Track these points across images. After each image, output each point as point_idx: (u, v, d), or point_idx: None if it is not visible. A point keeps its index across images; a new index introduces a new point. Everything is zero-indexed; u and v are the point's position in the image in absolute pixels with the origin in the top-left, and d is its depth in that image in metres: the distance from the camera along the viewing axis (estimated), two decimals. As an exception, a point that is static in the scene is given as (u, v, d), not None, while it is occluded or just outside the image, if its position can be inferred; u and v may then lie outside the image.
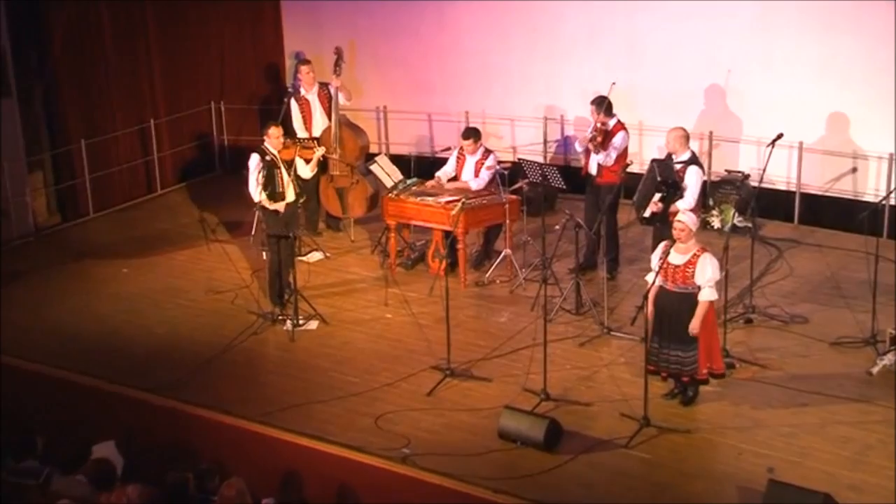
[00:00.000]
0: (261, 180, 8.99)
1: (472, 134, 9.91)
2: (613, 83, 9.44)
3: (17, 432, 7.07)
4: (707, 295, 7.32)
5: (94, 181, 11.93)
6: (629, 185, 9.43)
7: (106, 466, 6.36)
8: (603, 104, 9.37)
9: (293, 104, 10.77)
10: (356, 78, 12.57)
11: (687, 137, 8.84)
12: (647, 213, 8.61)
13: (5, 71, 10.99)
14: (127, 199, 12.40)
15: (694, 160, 8.81)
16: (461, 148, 10.00)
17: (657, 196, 8.48)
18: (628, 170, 9.58)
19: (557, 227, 9.09)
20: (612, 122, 9.49)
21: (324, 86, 10.85)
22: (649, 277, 7.50)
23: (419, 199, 9.76)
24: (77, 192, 11.93)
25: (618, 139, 9.45)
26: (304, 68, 10.87)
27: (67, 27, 11.62)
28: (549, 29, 11.91)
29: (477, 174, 9.84)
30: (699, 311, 7.31)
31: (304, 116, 10.79)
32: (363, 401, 7.91)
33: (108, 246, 11.15)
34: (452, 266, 9.67)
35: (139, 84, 12.47)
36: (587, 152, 9.59)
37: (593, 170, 9.57)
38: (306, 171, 10.02)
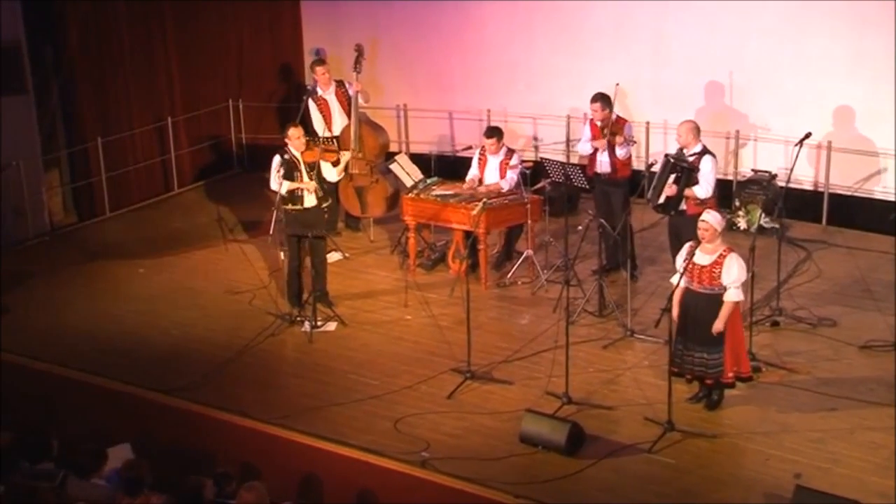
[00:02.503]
0: (280, 180, 9.02)
1: (494, 133, 9.90)
2: (617, 84, 9.42)
3: (32, 434, 7.10)
4: (732, 296, 7.30)
5: (110, 180, 12.00)
6: (636, 182, 9.43)
7: (138, 472, 6.40)
8: (610, 100, 9.36)
9: (311, 105, 10.80)
10: (376, 76, 12.59)
11: (698, 129, 8.85)
12: (661, 199, 8.61)
13: (21, 67, 11.06)
14: (143, 198, 12.46)
15: (706, 151, 8.80)
16: (483, 148, 9.99)
17: (671, 178, 8.48)
18: (633, 167, 9.57)
19: (580, 227, 9.09)
20: (613, 118, 9.47)
21: (340, 84, 10.87)
22: (674, 279, 7.48)
23: (442, 198, 9.74)
24: (93, 190, 12.00)
25: (628, 129, 9.49)
26: (319, 69, 10.88)
27: (84, 23, 11.69)
28: (573, 25, 11.90)
29: (502, 174, 9.83)
30: (724, 312, 7.29)
31: (323, 116, 10.82)
32: (382, 404, 7.92)
33: (125, 246, 11.20)
34: (473, 267, 9.67)
35: (156, 81, 12.54)
36: (594, 151, 9.54)
37: (604, 168, 9.53)
38: (332, 174, 9.86)
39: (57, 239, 11.53)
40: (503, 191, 9.72)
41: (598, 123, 9.46)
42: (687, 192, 8.59)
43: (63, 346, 9.02)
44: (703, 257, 7.38)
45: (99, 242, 11.37)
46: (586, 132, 9.67)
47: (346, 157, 9.94)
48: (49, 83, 11.69)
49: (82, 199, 12.07)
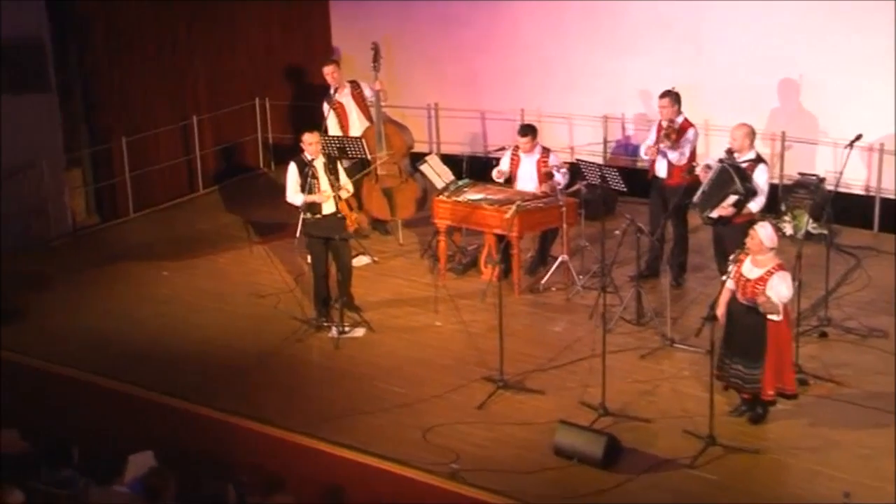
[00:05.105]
0: (297, 188, 9.04)
1: (528, 131, 9.86)
2: (674, 87, 9.38)
3: (52, 440, 7.14)
4: (773, 306, 7.17)
5: (134, 180, 12.07)
6: (694, 188, 9.31)
7: (162, 480, 6.41)
8: (678, 98, 9.29)
9: (328, 111, 10.78)
10: (405, 74, 12.58)
11: (754, 134, 8.75)
12: (714, 215, 8.52)
13: (45, 65, 11.14)
14: (167, 198, 12.53)
15: (760, 159, 8.70)
16: (516, 147, 9.95)
17: (732, 199, 8.38)
18: (694, 171, 9.47)
19: (618, 231, 9.03)
20: (679, 119, 9.40)
21: (355, 85, 10.86)
22: (729, 284, 7.37)
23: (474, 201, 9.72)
24: (117, 191, 12.08)
25: (690, 135, 9.42)
26: (326, 69, 10.89)
27: (109, 20, 11.78)
28: (610, 21, 11.84)
29: (539, 176, 9.77)
30: (767, 305, 7.10)
31: (339, 120, 10.81)
32: (410, 413, 7.90)
33: (148, 247, 11.26)
34: (506, 272, 9.62)
35: (181, 79, 12.60)
36: (656, 153, 9.49)
37: (662, 172, 9.48)
38: (349, 184, 9.66)
39: (79, 240, 11.62)
40: (560, 187, 9.61)
41: (664, 123, 9.38)
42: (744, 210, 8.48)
43: (84, 350, 9.07)
44: (751, 269, 7.27)
45: (122, 244, 11.44)
46: (652, 135, 9.62)
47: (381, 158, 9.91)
48: (72, 81, 11.78)
49: (105, 199, 12.15)
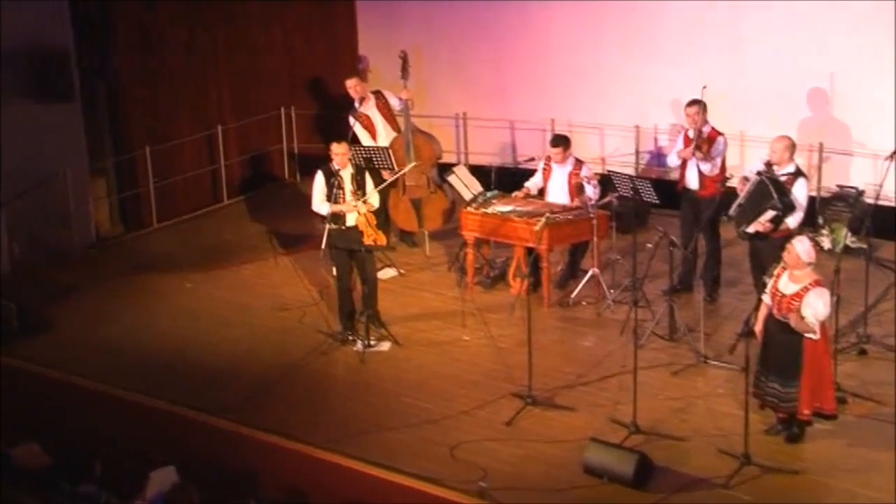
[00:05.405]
0: (322, 197, 9.05)
1: (560, 141, 9.83)
2: (704, 86, 9.32)
3: (74, 454, 7.15)
4: (809, 324, 7.09)
5: (158, 190, 12.14)
6: (727, 200, 9.25)
7: (186, 496, 6.41)
8: (705, 107, 9.25)
9: (354, 125, 10.78)
10: (432, 82, 12.58)
11: (794, 146, 8.68)
12: (751, 229, 8.45)
13: (69, 74, 11.23)
14: (191, 209, 12.59)
15: (800, 172, 8.63)
16: (548, 158, 9.91)
17: (769, 215, 8.31)
18: (727, 183, 9.41)
19: (650, 244, 8.97)
20: (706, 129, 9.35)
21: (379, 95, 10.86)
22: (766, 299, 7.31)
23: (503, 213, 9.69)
24: (140, 201, 12.15)
25: (719, 145, 9.39)
26: (349, 83, 10.89)
27: (133, 29, 11.87)
28: (643, 28, 11.81)
29: (570, 188, 9.72)
30: (801, 324, 7.03)
31: (368, 134, 10.81)
32: (437, 429, 7.87)
33: (171, 258, 11.31)
34: (535, 285, 9.60)
35: (206, 88, 12.67)
36: (684, 164, 9.45)
37: (693, 183, 9.42)
38: (375, 197, 9.46)
39: (103, 250, 11.68)
40: (591, 202, 9.59)
41: (691, 134, 9.33)
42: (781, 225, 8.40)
43: (105, 362, 9.11)
44: (788, 285, 7.20)
45: (145, 255, 11.50)
46: (679, 144, 9.57)
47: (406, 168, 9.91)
48: (97, 90, 11.87)
49: (129, 209, 12.23)
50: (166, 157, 12.24)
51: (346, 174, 9.12)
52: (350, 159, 9.23)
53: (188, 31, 12.39)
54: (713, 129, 9.44)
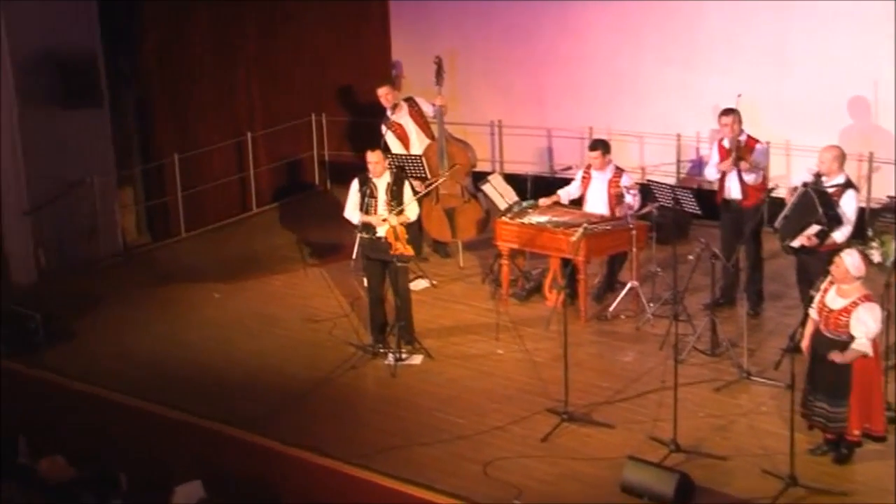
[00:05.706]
0: (355, 206, 9.02)
1: (599, 145, 9.76)
2: (739, 95, 9.22)
3: (100, 467, 7.15)
4: (859, 346, 6.97)
5: (186, 198, 12.16)
6: (770, 210, 9.15)
7: None
8: (739, 115, 9.15)
9: (387, 133, 10.74)
10: (466, 89, 12.54)
11: (844, 157, 8.53)
12: (795, 244, 8.31)
13: (97, 80, 11.28)
14: (220, 218, 12.62)
15: (850, 184, 8.48)
16: (588, 167, 9.83)
17: (815, 229, 8.17)
18: (772, 193, 9.27)
19: (691, 256, 8.87)
20: (742, 137, 9.26)
21: (412, 102, 10.82)
22: (814, 315, 7.21)
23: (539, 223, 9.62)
24: (168, 209, 12.18)
25: (760, 153, 9.30)
26: (380, 91, 10.84)
27: (162, 35, 11.93)
28: (684, 34, 11.75)
29: (610, 196, 9.65)
30: (848, 354, 6.96)
31: (402, 143, 10.76)
32: (470, 445, 7.82)
33: (199, 268, 11.34)
34: (572, 298, 9.52)
35: (236, 95, 12.71)
36: (723, 175, 9.32)
37: (735, 193, 9.30)
38: (413, 210, 9.41)
39: (130, 260, 11.72)
40: (631, 212, 9.50)
41: (726, 144, 9.21)
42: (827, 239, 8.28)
43: (131, 374, 9.13)
44: (835, 300, 7.08)
45: (173, 264, 11.53)
46: (714, 155, 9.46)
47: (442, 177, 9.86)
48: (125, 97, 11.92)
49: (157, 218, 12.27)
50: (195, 165, 12.27)
51: (382, 183, 9.07)
52: (388, 166, 9.19)
53: (218, 38, 12.42)
54: (750, 136, 9.33)
